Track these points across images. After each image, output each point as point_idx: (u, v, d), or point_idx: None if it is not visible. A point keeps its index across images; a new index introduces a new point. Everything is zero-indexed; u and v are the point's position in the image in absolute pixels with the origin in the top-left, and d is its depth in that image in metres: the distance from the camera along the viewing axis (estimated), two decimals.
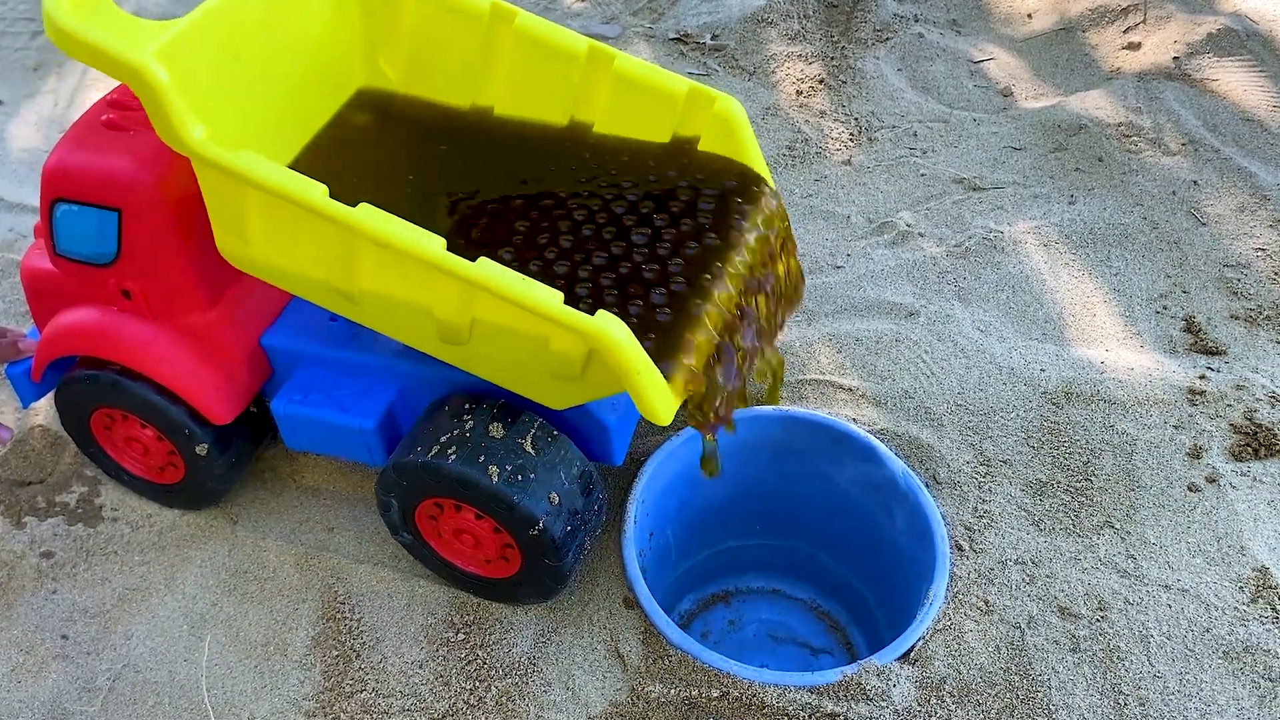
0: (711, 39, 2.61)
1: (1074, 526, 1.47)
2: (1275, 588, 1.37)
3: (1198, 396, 1.63)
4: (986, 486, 1.52)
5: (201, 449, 1.44)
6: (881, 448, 1.42)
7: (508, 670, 1.35)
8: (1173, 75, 2.35)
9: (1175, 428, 1.58)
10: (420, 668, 1.36)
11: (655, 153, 1.37)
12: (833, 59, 2.54)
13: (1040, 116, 2.30)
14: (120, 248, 1.31)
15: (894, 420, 1.60)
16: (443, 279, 1.12)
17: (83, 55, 1.12)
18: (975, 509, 1.49)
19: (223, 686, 1.38)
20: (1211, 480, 1.51)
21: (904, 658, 1.26)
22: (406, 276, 1.16)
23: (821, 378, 1.68)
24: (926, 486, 1.45)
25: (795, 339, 1.78)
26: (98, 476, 1.64)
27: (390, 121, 1.44)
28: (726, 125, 1.34)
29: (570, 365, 1.15)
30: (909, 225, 2.04)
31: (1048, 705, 1.27)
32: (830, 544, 1.55)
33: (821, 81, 2.47)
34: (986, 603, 1.37)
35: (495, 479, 1.23)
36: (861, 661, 1.23)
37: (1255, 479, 1.52)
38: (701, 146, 1.36)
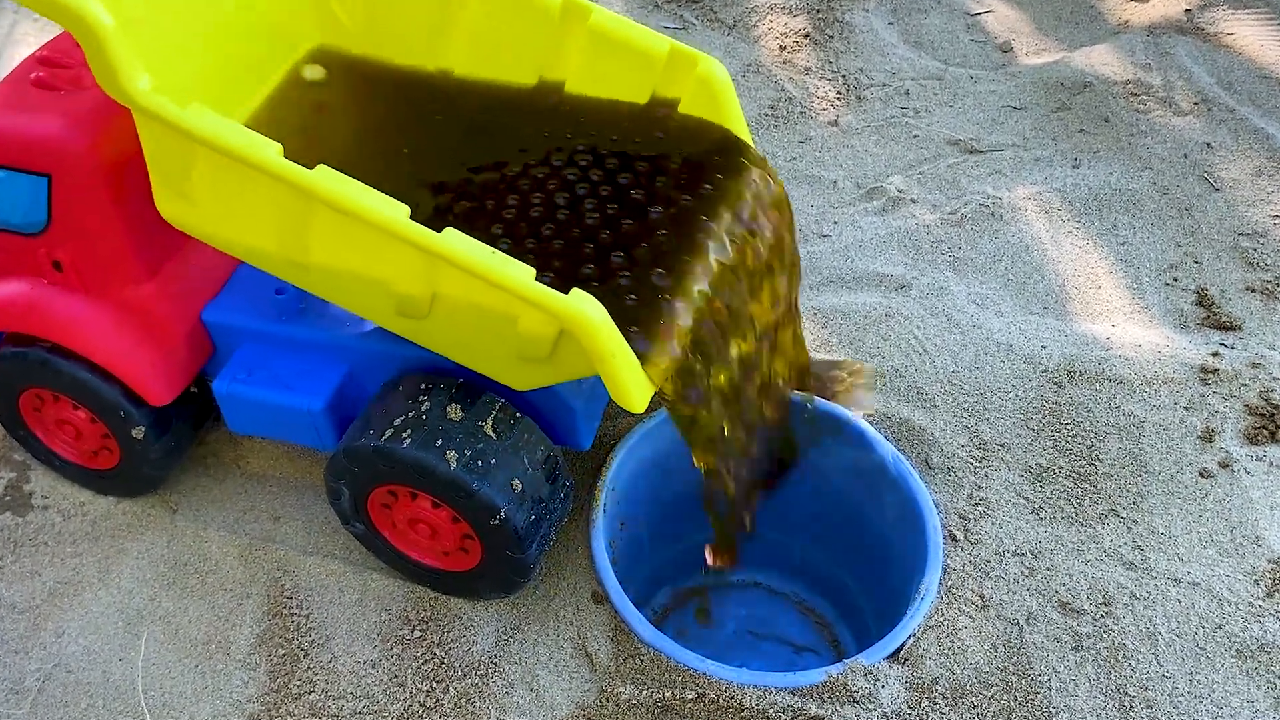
0: None
1: (1077, 515, 1.46)
2: None
3: (1210, 375, 1.62)
4: (982, 472, 1.51)
5: (138, 432, 1.43)
6: (870, 430, 1.42)
7: (467, 670, 1.34)
8: (1184, 29, 2.34)
9: (1186, 409, 1.58)
10: (373, 668, 1.36)
11: (631, 114, 1.36)
12: (819, 11, 2.52)
13: (1042, 73, 2.29)
14: (50, 215, 1.30)
15: (883, 401, 1.60)
16: (404, 249, 1.11)
17: None
18: (970, 496, 1.48)
19: (160, 688, 1.37)
20: (1224, 465, 1.50)
21: (893, 656, 1.26)
22: (365, 245, 1.15)
23: None
24: (918, 472, 1.45)
25: None
26: (27, 461, 1.62)
27: (348, 80, 1.44)
28: (709, 88, 1.34)
29: (539, 346, 1.14)
30: (900, 191, 2.03)
31: (1048, 707, 1.25)
32: (815, 534, 1.54)
33: (807, 36, 2.45)
34: (982, 597, 1.36)
35: (453, 464, 1.23)
36: (847, 660, 1.23)
37: (1271, 464, 1.51)
38: (682, 109, 1.35)
